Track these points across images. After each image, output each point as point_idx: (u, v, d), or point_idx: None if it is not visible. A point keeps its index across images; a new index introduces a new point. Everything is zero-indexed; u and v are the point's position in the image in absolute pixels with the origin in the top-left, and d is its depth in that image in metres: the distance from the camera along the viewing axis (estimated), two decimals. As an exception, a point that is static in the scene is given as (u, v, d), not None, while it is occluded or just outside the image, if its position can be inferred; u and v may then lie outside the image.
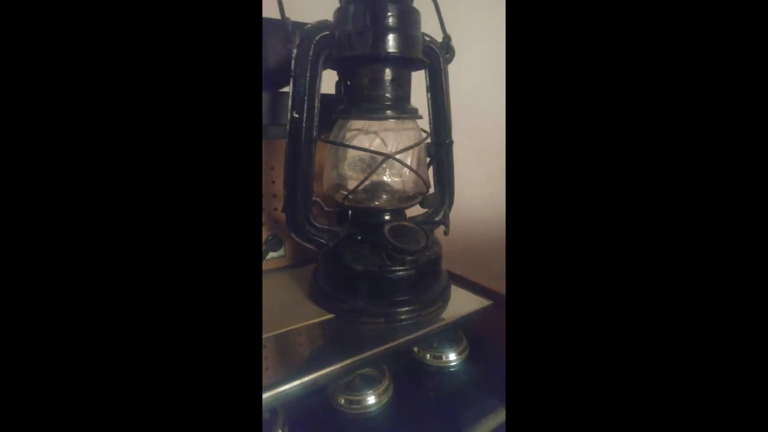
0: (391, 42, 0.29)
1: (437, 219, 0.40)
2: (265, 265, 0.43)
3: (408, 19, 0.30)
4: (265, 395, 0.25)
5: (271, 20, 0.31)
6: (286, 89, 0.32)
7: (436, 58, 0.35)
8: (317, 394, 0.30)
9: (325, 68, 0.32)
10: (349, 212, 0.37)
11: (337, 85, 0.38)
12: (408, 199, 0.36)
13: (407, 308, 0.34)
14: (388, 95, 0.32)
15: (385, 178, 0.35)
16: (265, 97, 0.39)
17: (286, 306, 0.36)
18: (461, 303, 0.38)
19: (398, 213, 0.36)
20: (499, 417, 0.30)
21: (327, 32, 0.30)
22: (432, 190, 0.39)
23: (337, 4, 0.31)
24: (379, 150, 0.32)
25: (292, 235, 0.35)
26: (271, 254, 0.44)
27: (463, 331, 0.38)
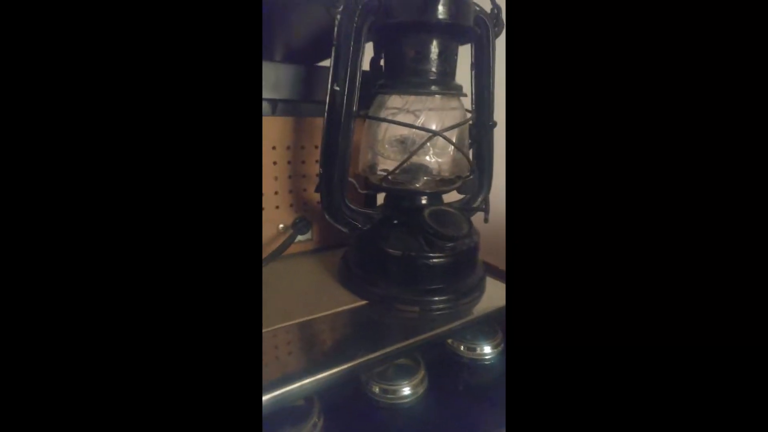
0: (442, 8, 0.27)
1: (475, 205, 0.38)
2: (292, 249, 0.42)
3: (461, -16, 0.27)
4: (302, 383, 0.24)
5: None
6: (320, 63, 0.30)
7: (485, 31, 0.33)
8: (351, 381, 0.29)
9: (366, 40, 0.30)
10: (383, 195, 0.36)
11: (373, 61, 0.36)
12: (447, 182, 0.34)
13: (443, 297, 0.32)
14: (433, 69, 0.30)
15: (427, 159, 0.33)
16: (301, 71, 0.37)
17: (316, 291, 0.35)
18: (497, 294, 0.36)
19: (435, 197, 0.34)
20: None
21: (373, -3, 0.28)
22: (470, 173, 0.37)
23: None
24: (422, 126, 0.30)
25: (327, 217, 0.33)
26: (299, 237, 0.43)
27: (498, 323, 0.37)
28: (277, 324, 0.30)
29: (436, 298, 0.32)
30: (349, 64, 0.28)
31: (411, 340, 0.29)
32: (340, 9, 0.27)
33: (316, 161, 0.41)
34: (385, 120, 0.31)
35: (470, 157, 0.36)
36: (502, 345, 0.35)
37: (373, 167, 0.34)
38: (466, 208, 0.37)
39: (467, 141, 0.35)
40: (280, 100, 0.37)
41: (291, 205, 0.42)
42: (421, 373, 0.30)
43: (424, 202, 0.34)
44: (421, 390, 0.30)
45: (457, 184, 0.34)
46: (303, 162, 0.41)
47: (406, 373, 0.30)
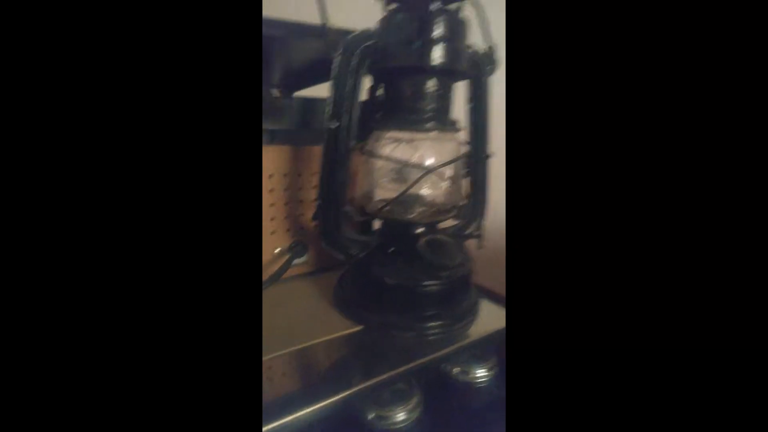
0: (438, 54, 0.28)
1: (468, 232, 0.39)
2: (288, 272, 0.43)
3: (456, 31, 0.29)
4: (303, 412, 0.25)
5: (299, 24, 0.30)
6: (308, 93, 0.31)
7: (479, 70, 0.34)
8: (347, 409, 0.30)
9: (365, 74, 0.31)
10: (375, 222, 0.37)
11: (371, 90, 0.37)
12: (442, 212, 0.35)
13: (438, 323, 0.34)
14: (430, 107, 0.31)
15: (422, 191, 0.34)
16: (298, 102, 0.38)
17: (312, 315, 0.36)
18: (490, 318, 0.37)
19: (431, 225, 0.36)
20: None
21: (371, 41, 0.29)
22: (465, 201, 0.38)
23: (376, 10, 0.30)
24: (419, 161, 0.32)
25: (324, 245, 0.34)
26: (295, 260, 0.43)
27: (492, 346, 0.38)
28: (274, 352, 0.30)
29: (432, 324, 0.33)
30: (346, 102, 0.30)
31: (408, 366, 0.30)
32: (340, 52, 0.29)
33: (314, 187, 0.42)
34: (383, 158, 0.32)
35: (465, 187, 0.37)
36: (496, 368, 0.36)
37: (369, 196, 0.36)
38: (459, 234, 0.39)
39: (462, 171, 0.36)
40: (277, 131, 0.38)
41: (288, 230, 0.42)
42: (416, 397, 0.31)
43: (419, 230, 0.35)
44: (415, 415, 0.30)
45: (452, 214, 0.35)
46: (300, 188, 0.42)
47: (400, 398, 0.31)
